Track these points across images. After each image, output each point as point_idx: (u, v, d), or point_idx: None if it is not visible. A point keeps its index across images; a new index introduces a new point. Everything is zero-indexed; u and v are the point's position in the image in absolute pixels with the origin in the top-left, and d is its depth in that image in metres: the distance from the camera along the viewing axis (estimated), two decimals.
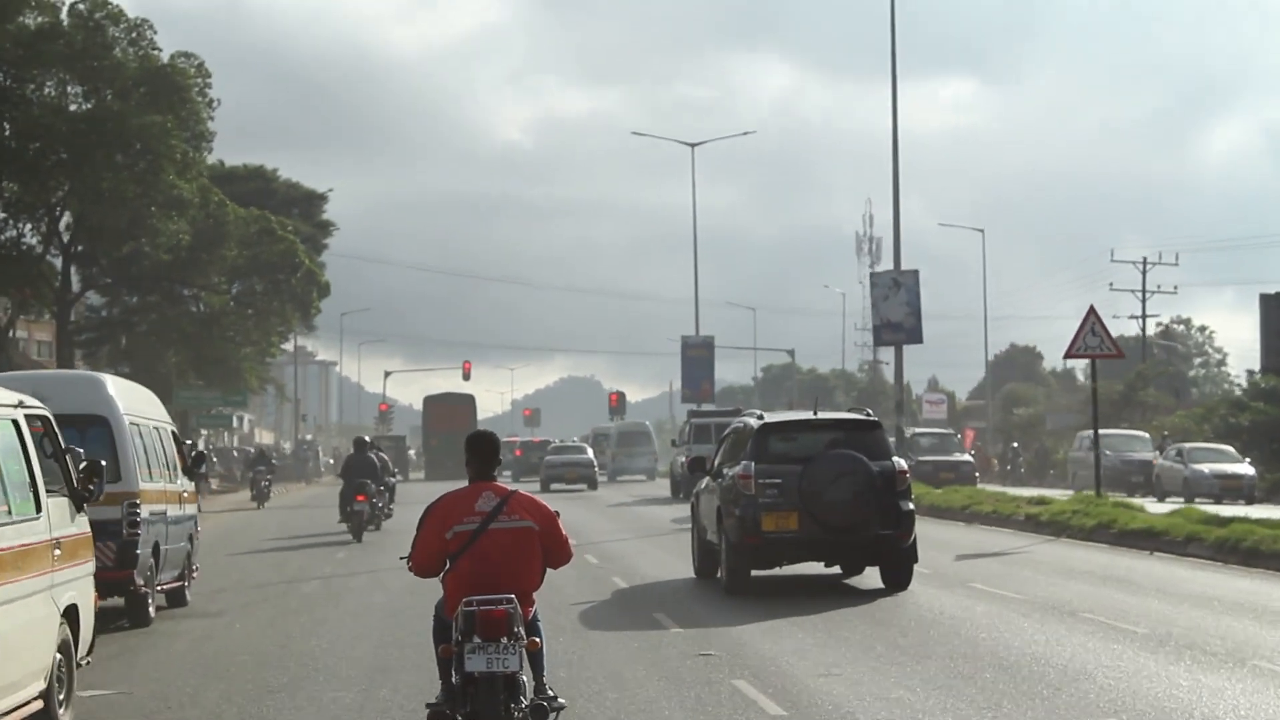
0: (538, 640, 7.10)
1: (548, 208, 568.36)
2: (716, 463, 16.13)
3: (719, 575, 15.53)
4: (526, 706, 6.93)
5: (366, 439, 26.70)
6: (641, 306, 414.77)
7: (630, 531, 25.21)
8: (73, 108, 38.30)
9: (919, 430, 44.39)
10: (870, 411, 16.43)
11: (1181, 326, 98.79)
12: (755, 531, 14.51)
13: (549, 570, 7.26)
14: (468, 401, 68.56)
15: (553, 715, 7.07)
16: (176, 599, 15.14)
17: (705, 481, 16.44)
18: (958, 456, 39.63)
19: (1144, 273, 63.41)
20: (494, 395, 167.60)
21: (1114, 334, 26.14)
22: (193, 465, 16.03)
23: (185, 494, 15.58)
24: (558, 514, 7.32)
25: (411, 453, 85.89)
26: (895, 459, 15.24)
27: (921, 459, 36.38)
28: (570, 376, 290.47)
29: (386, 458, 26.60)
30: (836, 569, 16.10)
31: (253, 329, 47.99)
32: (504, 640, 6.78)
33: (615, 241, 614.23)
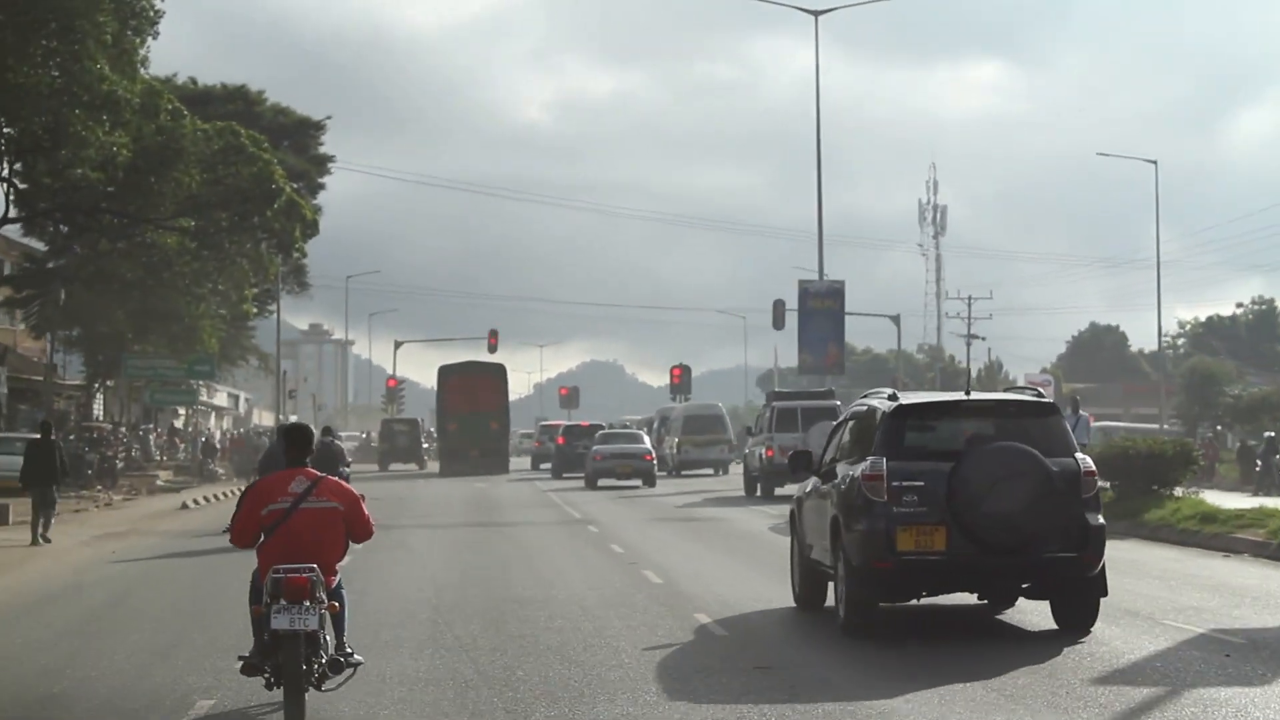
0: (337, 604, 10.26)
1: (569, 189, 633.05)
2: (827, 458, 15.47)
3: (838, 611, 14.45)
4: (325, 661, 10.01)
5: (316, 427, 31.28)
6: (662, 291, 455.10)
7: (701, 542, 24.80)
8: None
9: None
10: (1042, 391, 15.17)
11: None
12: (887, 552, 13.52)
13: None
14: (496, 373, 64.88)
15: (348, 670, 10.34)
16: None
17: (811, 483, 15.83)
18: None
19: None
20: (519, 376, 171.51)
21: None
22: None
23: None
24: (363, 496, 10.57)
25: (426, 440, 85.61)
26: (1078, 454, 14.12)
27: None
28: (593, 360, 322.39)
29: (341, 446, 29.00)
30: (975, 597, 15.17)
31: (216, 276, 47.26)
32: (306, 603, 9.73)
33: (637, 223, 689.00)
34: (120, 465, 47.27)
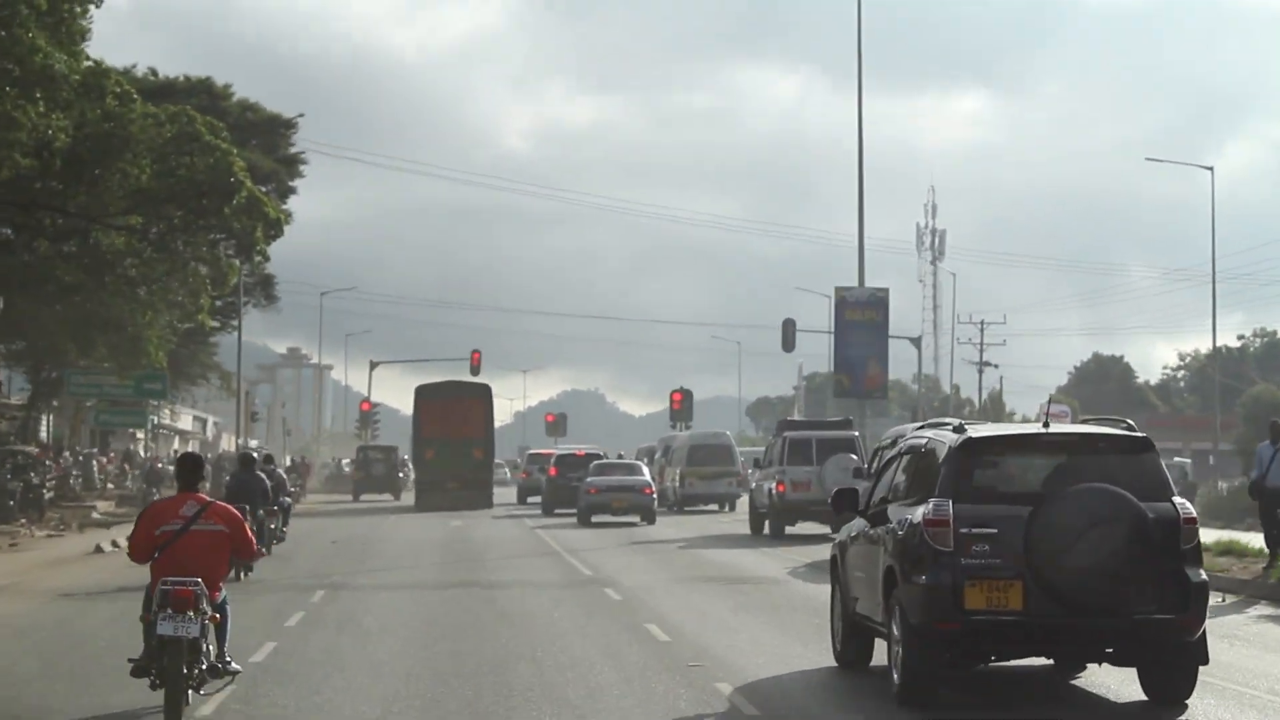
0: (219, 616, 12.62)
1: (549, 216, 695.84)
2: (875, 497, 14.94)
3: (891, 676, 13.58)
4: (204, 667, 12.29)
5: (255, 455, 31.60)
6: (643, 319, 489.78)
7: (712, 591, 23.69)
8: None
9: None
10: (1132, 424, 14.28)
11: None
12: (954, 611, 12.66)
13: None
14: (479, 395, 62.67)
15: (227, 678, 12.90)
16: None
17: (856, 526, 15.31)
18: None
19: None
20: (500, 403, 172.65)
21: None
22: None
23: None
24: (244, 519, 13.17)
25: (403, 469, 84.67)
26: (1177, 499, 13.26)
27: None
28: (574, 389, 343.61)
29: (283, 475, 32.16)
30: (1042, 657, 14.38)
31: (166, 281, 45.50)
32: (189, 613, 11.97)
33: (617, 252, 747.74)
34: (50, 495, 45.48)
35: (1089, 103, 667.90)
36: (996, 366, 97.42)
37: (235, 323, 70.54)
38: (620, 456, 59.34)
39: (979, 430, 13.91)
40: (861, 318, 58.08)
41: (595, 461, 49.33)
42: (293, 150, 71.12)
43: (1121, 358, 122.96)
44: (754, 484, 41.25)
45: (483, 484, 59.47)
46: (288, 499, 31.49)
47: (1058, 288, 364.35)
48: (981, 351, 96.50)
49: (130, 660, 12.67)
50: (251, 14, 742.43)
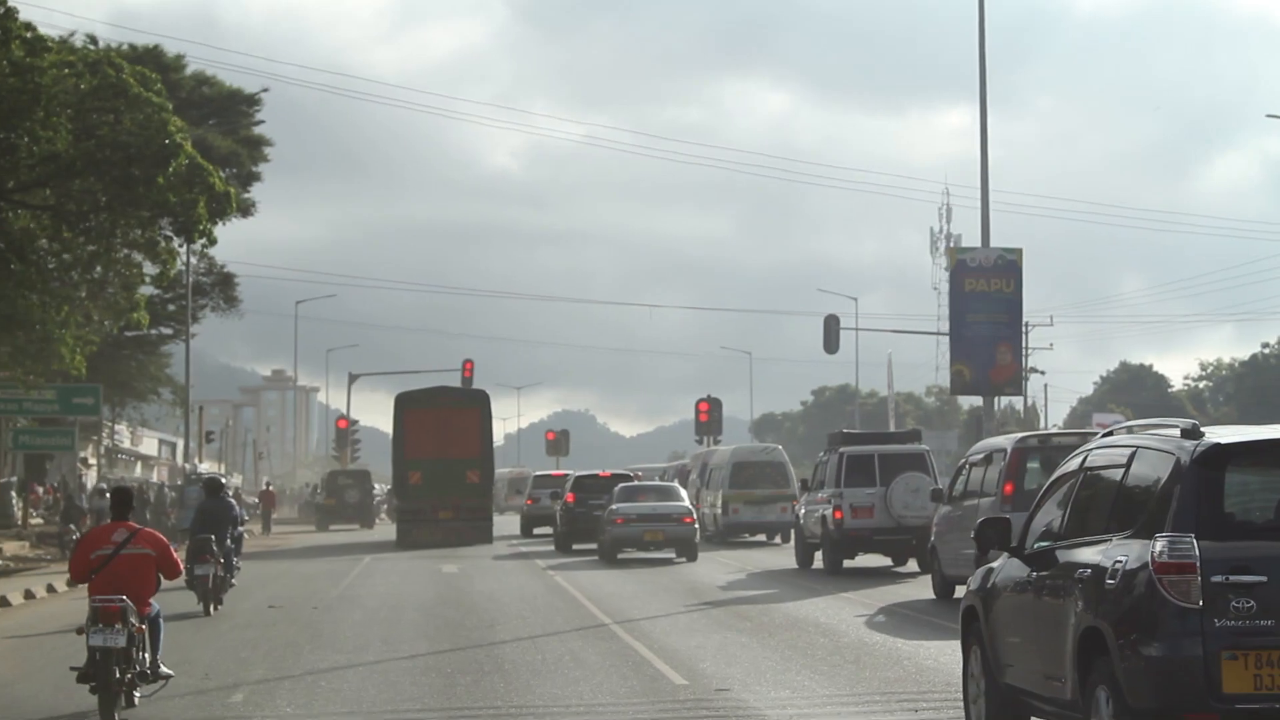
0: (143, 628, 16.58)
1: (538, 235, 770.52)
2: (1037, 527, 13.24)
3: None
4: (135, 673, 16.47)
5: (221, 479, 33.24)
6: (635, 337, 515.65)
7: (777, 656, 20.51)
8: None
9: None
10: None
11: None
12: (1205, 695, 10.34)
13: None
14: (474, 404, 58.13)
15: (158, 683, 17.13)
16: None
17: (1005, 568, 13.57)
18: None
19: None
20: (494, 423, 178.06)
21: None
22: None
23: None
24: (170, 545, 17.31)
25: (378, 496, 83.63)
26: None
27: None
28: (564, 410, 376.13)
29: (232, 504, 31.67)
30: None
31: (88, 268, 43.10)
32: (117, 625, 15.94)
33: (607, 270, 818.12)
34: None
35: (1079, 116, 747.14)
36: (1043, 373, 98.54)
37: (187, 327, 68.61)
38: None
39: (1225, 434, 11.13)
40: (987, 288, 51.80)
41: (621, 484, 45.62)
42: (256, 130, 70.57)
43: (1151, 366, 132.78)
44: (802, 509, 39.52)
45: (480, 514, 55.52)
46: (239, 529, 31.88)
47: (1051, 299, 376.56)
48: (1026, 356, 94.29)
49: (73, 669, 16.30)
50: (235, 32, 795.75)
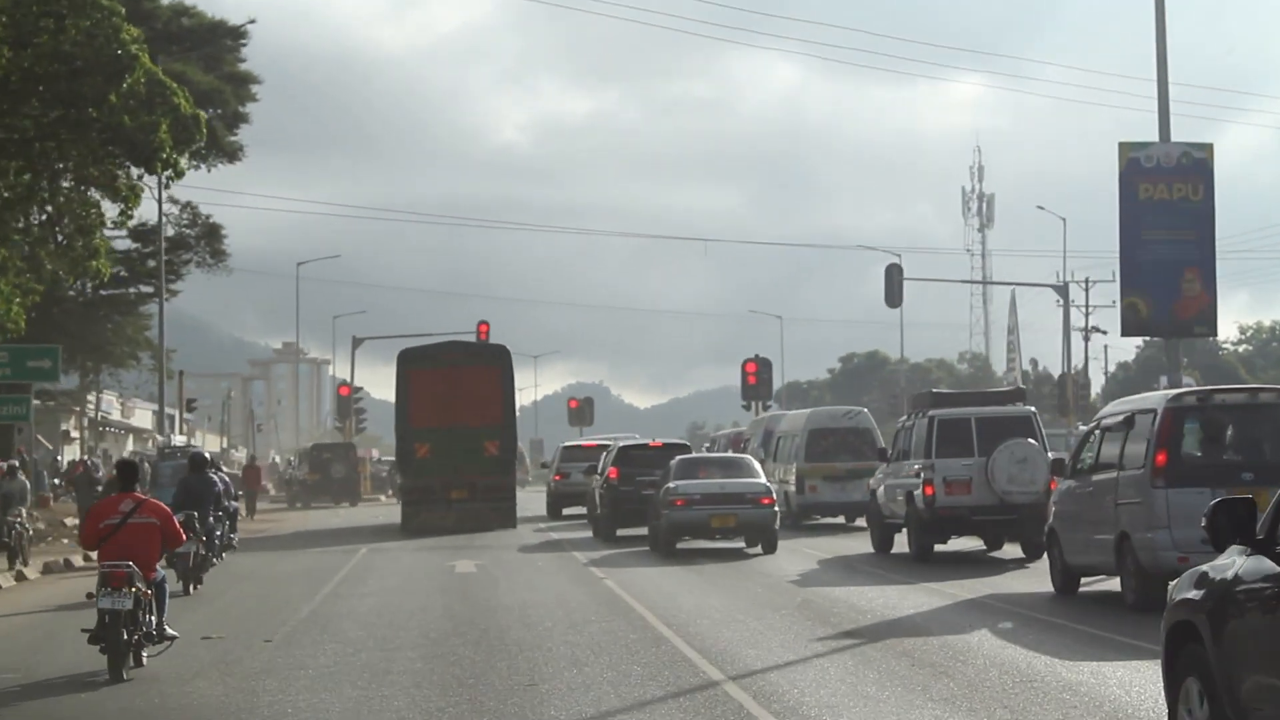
0: (149, 591, 17.67)
1: (548, 211, 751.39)
2: None
3: None
4: (142, 634, 17.58)
5: (207, 456, 32.55)
6: (647, 310, 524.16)
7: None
8: None
9: None
10: None
11: None
12: None
13: None
14: (494, 360, 49.77)
15: (164, 644, 18.13)
16: None
17: (1247, 563, 10.63)
18: None
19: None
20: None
21: None
22: None
23: None
24: (172, 515, 18.65)
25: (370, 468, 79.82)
26: None
27: None
28: (577, 382, 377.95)
29: (219, 478, 31.78)
30: None
31: (28, 207, 39.36)
32: (124, 589, 17.12)
33: (618, 245, 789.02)
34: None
35: (1090, 86, 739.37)
36: (1105, 333, 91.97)
37: (161, 279, 62.23)
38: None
39: None
40: (1168, 195, 43.14)
41: (679, 457, 37.11)
42: (243, 66, 66.54)
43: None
44: (879, 484, 34.83)
45: (502, 494, 47.23)
46: (232, 502, 33.31)
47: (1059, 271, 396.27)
48: (1087, 315, 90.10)
49: (84, 630, 17.37)
50: (235, 10, 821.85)
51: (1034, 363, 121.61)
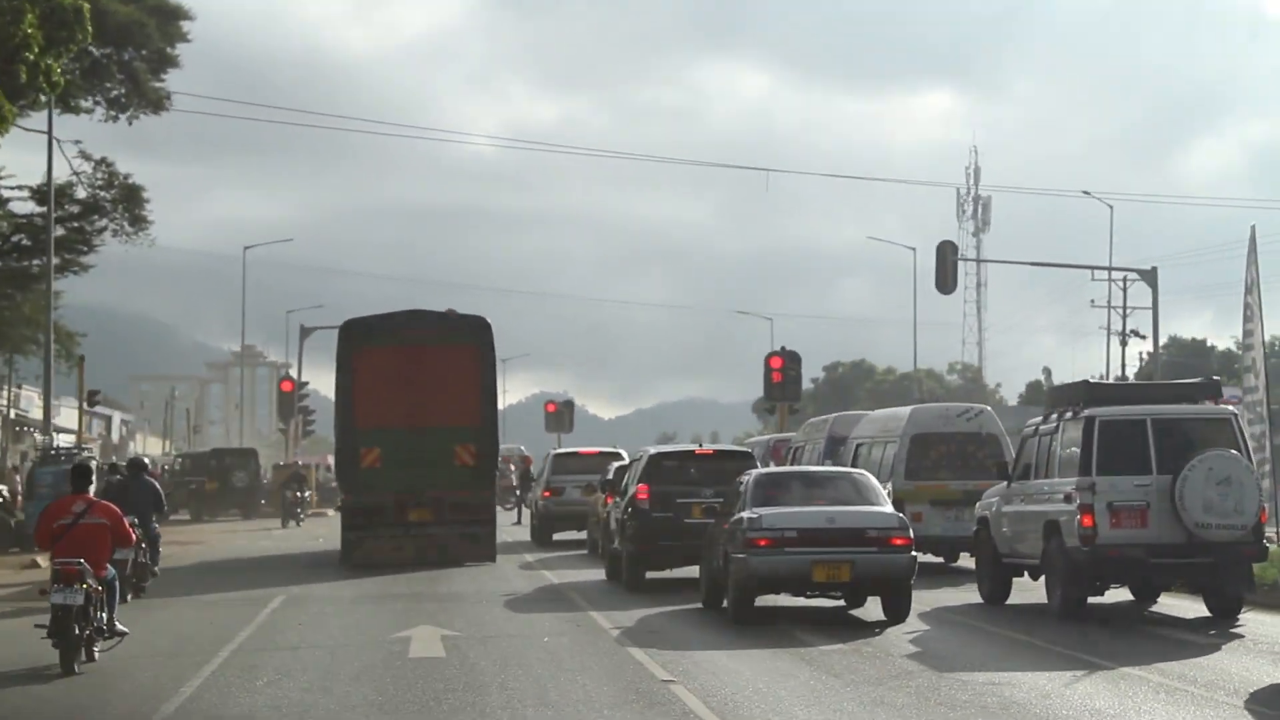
0: (100, 589, 18.60)
1: (514, 217, 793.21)
2: None
3: None
4: (92, 628, 18.51)
5: (145, 459, 34.47)
6: (613, 320, 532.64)
7: None
8: None
9: None
10: None
11: None
12: None
13: None
14: (468, 336, 37.05)
15: (114, 640, 19.10)
16: None
17: None
18: None
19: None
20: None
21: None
22: None
23: None
24: (122, 517, 19.50)
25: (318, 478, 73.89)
26: None
27: None
28: (542, 392, 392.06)
29: (155, 485, 29.90)
30: None
31: None
32: (76, 585, 18.02)
33: (585, 254, 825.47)
34: None
35: (1062, 100, 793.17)
36: (1144, 337, 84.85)
37: (49, 247, 51.48)
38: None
39: None
40: None
41: (755, 473, 24.90)
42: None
43: (1205, 340, 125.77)
44: (993, 510, 26.93)
45: (477, 516, 35.50)
46: (163, 510, 31.22)
47: (1033, 287, 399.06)
48: (1125, 316, 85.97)
49: (38, 625, 18.12)
50: (201, 12, 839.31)
51: (1046, 372, 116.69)
